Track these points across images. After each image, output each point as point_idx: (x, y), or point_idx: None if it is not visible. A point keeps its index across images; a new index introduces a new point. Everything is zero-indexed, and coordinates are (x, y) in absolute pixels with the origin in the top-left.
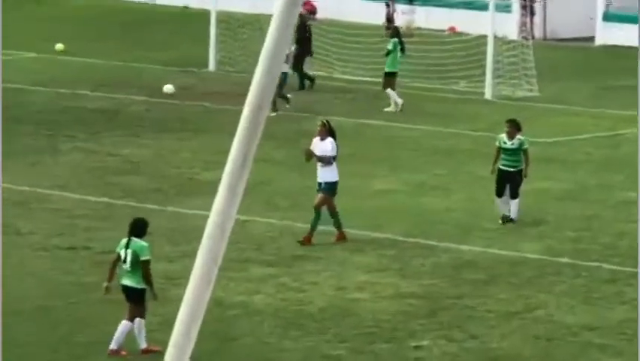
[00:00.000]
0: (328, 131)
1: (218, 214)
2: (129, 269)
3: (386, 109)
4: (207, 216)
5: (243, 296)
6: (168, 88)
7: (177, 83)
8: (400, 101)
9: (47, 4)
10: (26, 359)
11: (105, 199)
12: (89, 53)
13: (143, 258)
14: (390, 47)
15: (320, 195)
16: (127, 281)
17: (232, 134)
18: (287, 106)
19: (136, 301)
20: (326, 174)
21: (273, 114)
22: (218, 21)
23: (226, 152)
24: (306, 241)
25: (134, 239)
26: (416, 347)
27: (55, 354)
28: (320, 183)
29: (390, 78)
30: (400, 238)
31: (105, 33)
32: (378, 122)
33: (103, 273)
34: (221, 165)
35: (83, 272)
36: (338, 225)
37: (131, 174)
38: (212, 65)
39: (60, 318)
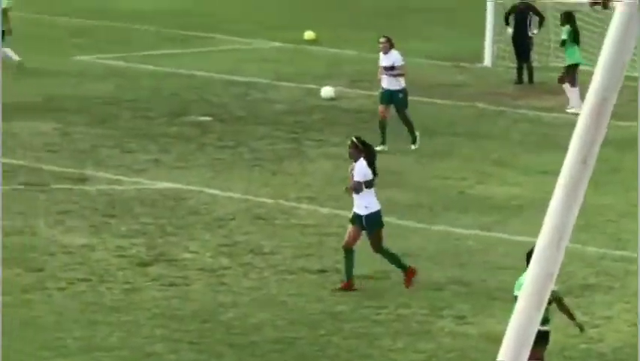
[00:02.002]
0: (359, 150)
1: (555, 220)
2: None
3: (568, 109)
4: (481, 237)
5: None
6: (327, 91)
7: (447, 79)
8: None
9: None
10: None
11: None
12: (340, 43)
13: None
14: (564, 35)
15: (351, 229)
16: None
17: (511, 141)
18: None
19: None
20: (356, 203)
21: None
22: (496, 9)
23: (504, 162)
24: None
25: None
26: None
27: None
28: (354, 215)
29: (570, 70)
30: None
31: (358, 20)
32: None
33: (357, 300)
34: (498, 177)
35: (334, 299)
36: (396, 263)
37: (390, 186)
38: (487, 60)
39: (306, 352)
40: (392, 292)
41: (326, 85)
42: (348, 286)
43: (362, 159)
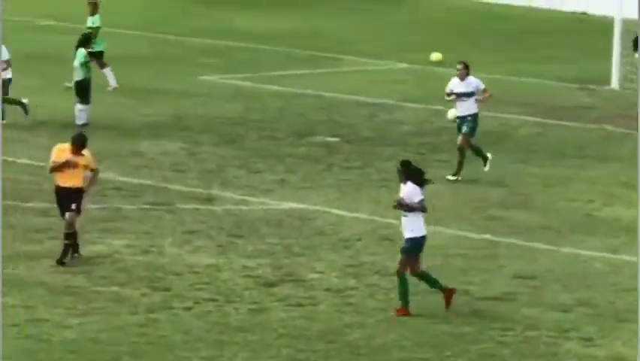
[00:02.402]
0: (406, 174)
1: None
2: None
3: None
4: (608, 259)
5: None
6: (454, 113)
7: (574, 101)
8: None
9: (407, 5)
10: None
11: (487, 236)
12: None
13: None
14: None
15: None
16: None
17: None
18: None
19: None
20: (404, 226)
21: None
22: (624, 31)
23: (631, 185)
24: (400, 313)
25: None
26: None
27: None
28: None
29: None
30: None
31: (479, 41)
32: None
33: (483, 322)
34: (626, 200)
35: (459, 321)
36: (436, 286)
37: (516, 208)
38: (615, 83)
39: None
40: (519, 313)
41: (452, 107)
42: (404, 312)
43: (409, 182)
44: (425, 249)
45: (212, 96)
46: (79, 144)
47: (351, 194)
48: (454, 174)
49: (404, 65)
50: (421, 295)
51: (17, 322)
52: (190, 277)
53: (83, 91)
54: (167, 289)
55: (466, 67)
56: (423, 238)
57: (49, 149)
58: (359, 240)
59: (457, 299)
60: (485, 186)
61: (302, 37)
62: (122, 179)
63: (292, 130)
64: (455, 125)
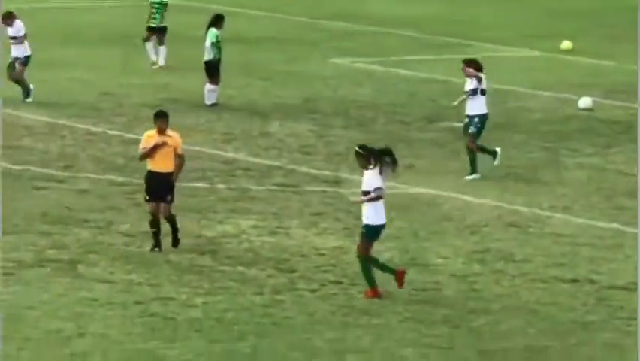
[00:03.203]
0: (366, 158)
1: None
2: None
3: None
4: None
5: None
6: (585, 101)
7: None
8: None
9: None
10: None
11: (614, 225)
12: (598, 54)
13: None
14: None
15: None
16: None
17: None
18: None
19: None
20: (363, 213)
21: None
22: None
23: None
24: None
25: None
26: None
27: None
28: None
29: None
30: None
31: (615, 31)
32: None
33: (609, 311)
34: None
35: (585, 309)
36: (385, 270)
37: None
38: None
39: None
40: None
41: (583, 95)
42: (373, 293)
43: (372, 167)
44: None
45: (342, 79)
46: (159, 117)
47: (478, 180)
48: (470, 173)
49: (535, 53)
50: (550, 282)
51: (143, 300)
52: (316, 259)
53: (212, 71)
54: (293, 271)
55: (469, 64)
56: (381, 226)
57: (179, 128)
58: (485, 226)
59: (583, 287)
60: (614, 174)
61: (433, 23)
62: (250, 160)
63: (421, 115)
64: (586, 113)
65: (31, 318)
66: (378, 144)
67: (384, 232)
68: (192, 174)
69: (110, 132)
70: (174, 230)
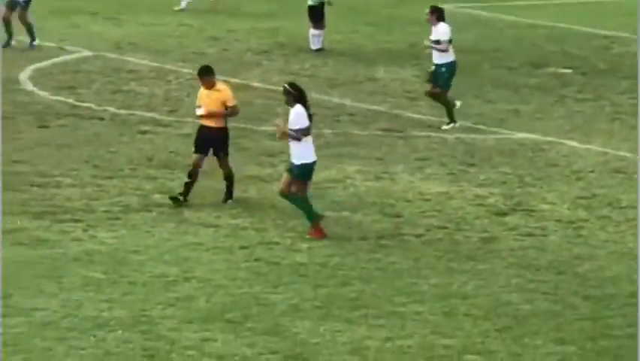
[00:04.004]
0: (294, 97)
1: None
2: None
3: None
4: None
5: None
6: None
7: None
8: None
9: None
10: None
11: None
12: None
13: None
14: None
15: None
16: None
17: None
18: None
19: None
20: (292, 153)
21: None
22: None
23: None
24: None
25: None
26: None
27: None
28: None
29: None
30: None
31: None
32: None
33: None
34: None
35: None
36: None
37: None
38: None
39: None
40: None
41: None
42: (316, 233)
43: (298, 105)
44: (625, 181)
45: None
46: (202, 73)
47: (584, 126)
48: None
49: None
50: None
51: (248, 244)
52: (421, 205)
53: (316, 15)
54: (398, 216)
55: (433, 12)
56: (313, 163)
57: (282, 72)
58: (591, 172)
59: None
60: None
61: None
62: (355, 105)
63: (526, 60)
64: None
65: (137, 262)
66: (484, 89)
67: (489, 177)
68: None
69: (216, 77)
70: (228, 187)
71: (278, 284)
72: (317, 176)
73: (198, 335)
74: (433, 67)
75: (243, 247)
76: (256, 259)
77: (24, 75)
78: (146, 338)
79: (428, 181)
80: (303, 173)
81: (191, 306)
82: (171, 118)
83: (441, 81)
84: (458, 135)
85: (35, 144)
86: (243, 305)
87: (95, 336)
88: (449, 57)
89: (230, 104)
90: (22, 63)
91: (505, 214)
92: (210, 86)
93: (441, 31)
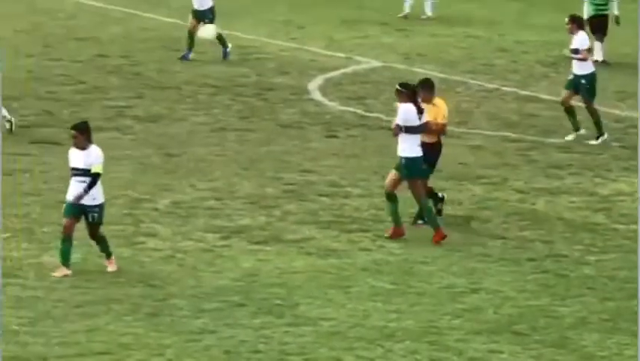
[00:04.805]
0: (406, 95)
1: None
2: None
3: None
4: None
5: None
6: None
7: None
8: None
9: None
10: None
11: None
12: None
13: None
14: None
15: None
16: None
17: None
18: None
19: None
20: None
21: None
22: None
23: None
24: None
25: None
26: None
27: None
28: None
29: None
30: None
31: None
32: None
33: None
34: None
35: None
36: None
37: None
38: None
39: None
40: None
41: None
42: (396, 234)
43: (408, 103)
44: None
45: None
46: (423, 86)
47: None
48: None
49: None
50: None
51: (536, 256)
52: None
53: (594, 27)
54: None
55: (573, 21)
56: (419, 158)
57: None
58: None
59: None
60: None
61: None
62: None
63: None
64: None
65: (425, 273)
66: None
67: None
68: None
69: (504, 89)
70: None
71: (565, 297)
72: (605, 189)
73: (485, 347)
74: (572, 76)
75: (530, 259)
76: (544, 271)
77: (313, 85)
78: (433, 349)
79: None
80: (407, 167)
81: (478, 317)
82: (461, 129)
83: (584, 93)
84: None
85: (324, 154)
86: (530, 317)
87: (382, 346)
88: (589, 67)
89: (440, 120)
90: (312, 73)
91: None
92: (429, 99)
93: (580, 39)
